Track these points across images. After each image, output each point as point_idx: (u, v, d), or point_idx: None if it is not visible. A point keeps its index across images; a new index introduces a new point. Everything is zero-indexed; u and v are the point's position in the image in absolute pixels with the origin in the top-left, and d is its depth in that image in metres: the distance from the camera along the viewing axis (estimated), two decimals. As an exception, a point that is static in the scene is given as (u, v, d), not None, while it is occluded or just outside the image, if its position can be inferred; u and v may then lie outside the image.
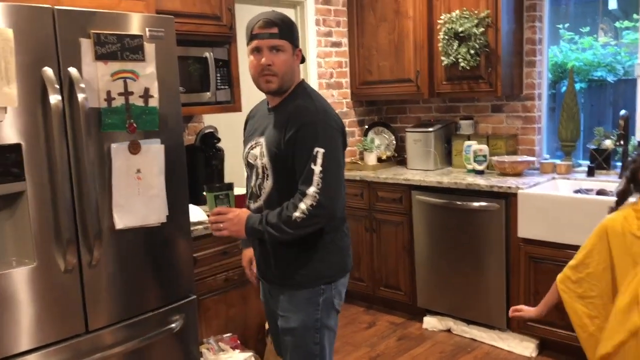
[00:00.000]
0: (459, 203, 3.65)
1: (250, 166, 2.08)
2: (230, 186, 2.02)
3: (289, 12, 4.15)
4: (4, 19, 1.91)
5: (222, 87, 3.24)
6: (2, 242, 2.04)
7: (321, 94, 4.33)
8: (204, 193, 2.05)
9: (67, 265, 2.09)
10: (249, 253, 2.31)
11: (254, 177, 2.04)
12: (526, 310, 2.17)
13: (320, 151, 1.85)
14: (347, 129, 4.55)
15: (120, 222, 2.23)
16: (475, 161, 3.88)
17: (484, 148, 3.88)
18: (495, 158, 3.84)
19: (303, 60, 2.08)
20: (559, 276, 2.02)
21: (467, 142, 4.00)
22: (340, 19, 4.42)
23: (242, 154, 2.17)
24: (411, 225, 3.92)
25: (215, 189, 1.99)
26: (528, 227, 3.33)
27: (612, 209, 1.95)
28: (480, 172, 3.86)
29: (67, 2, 2.18)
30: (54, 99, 1.98)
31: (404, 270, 4.01)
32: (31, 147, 1.99)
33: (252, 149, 2.05)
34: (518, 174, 3.73)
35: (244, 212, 1.97)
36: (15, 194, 1.99)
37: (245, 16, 3.66)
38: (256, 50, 1.94)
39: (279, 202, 1.92)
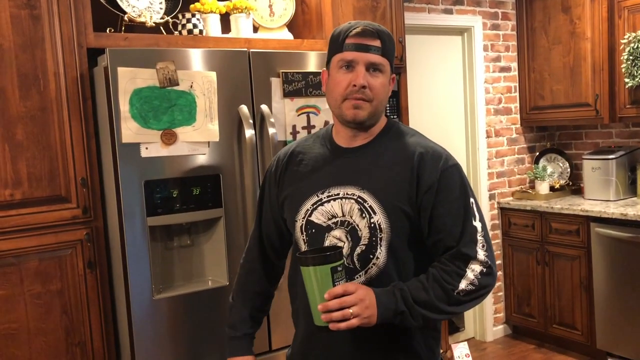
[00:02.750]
0: (647, 238, 3.33)
1: (316, 228, 1.47)
2: (341, 251, 1.35)
3: (456, 40, 4.12)
4: (208, 63, 2.15)
5: (392, 117, 3.31)
6: (201, 262, 2.27)
7: (489, 120, 4.31)
8: (302, 267, 1.31)
9: (254, 286, 2.26)
10: None
11: (346, 244, 1.44)
12: None
13: (473, 202, 1.45)
14: (516, 155, 4.48)
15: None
16: (666, 192, 3.52)
17: (677, 177, 3.52)
18: (691, 189, 3.46)
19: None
20: None
21: (656, 171, 3.65)
22: (510, 43, 4.30)
23: (275, 210, 1.60)
24: (589, 260, 3.64)
25: (328, 258, 1.29)
26: None
27: None
28: (672, 204, 3.50)
29: (259, 45, 2.39)
30: (249, 133, 2.18)
31: (581, 308, 3.73)
32: (227, 177, 2.21)
33: (322, 204, 1.47)
34: None
35: (367, 288, 1.36)
36: (213, 219, 2.21)
37: (413, 47, 3.75)
38: (346, 66, 1.43)
39: (394, 277, 1.43)
